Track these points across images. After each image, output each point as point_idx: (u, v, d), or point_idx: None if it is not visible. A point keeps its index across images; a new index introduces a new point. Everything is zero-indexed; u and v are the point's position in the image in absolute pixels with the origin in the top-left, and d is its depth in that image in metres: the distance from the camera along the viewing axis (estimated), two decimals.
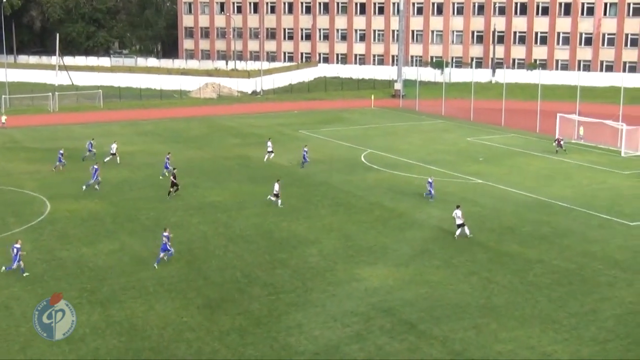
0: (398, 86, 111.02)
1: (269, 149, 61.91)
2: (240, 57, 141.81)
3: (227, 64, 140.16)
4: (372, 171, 57.92)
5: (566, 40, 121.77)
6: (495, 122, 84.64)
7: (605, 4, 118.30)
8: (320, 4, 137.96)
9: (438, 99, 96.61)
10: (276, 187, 47.00)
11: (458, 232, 40.05)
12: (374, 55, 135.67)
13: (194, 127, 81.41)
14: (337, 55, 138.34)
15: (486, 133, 77.90)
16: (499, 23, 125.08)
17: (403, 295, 31.81)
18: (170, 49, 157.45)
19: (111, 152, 60.60)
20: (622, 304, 31.16)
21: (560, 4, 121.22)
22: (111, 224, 42.74)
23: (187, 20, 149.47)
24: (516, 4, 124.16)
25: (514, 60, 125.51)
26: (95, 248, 38.08)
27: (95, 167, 51.55)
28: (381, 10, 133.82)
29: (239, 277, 34.06)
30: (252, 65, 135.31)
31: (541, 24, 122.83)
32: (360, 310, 30.20)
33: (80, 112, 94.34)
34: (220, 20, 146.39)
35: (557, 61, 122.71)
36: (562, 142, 66.40)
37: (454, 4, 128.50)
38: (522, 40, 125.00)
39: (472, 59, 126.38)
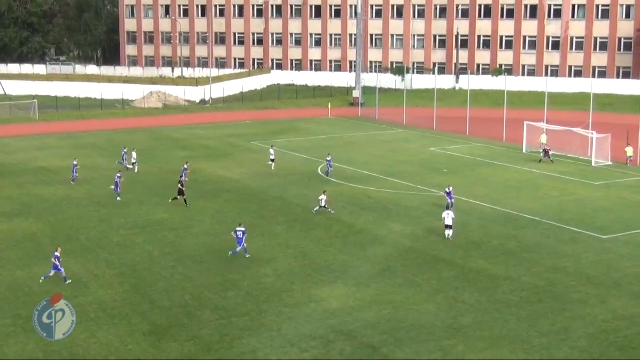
0: (356, 94, 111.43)
1: (272, 157, 64.26)
2: (187, 63, 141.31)
3: (173, 71, 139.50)
4: (330, 184, 57.95)
5: (533, 45, 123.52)
6: (459, 131, 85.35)
7: (573, 7, 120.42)
8: (272, 6, 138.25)
9: (399, 107, 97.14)
10: (323, 198, 47.98)
11: (448, 233, 42.89)
12: (331, 61, 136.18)
13: (138, 140, 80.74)
14: (292, 61, 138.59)
15: (450, 143, 78.51)
16: (462, 27, 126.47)
17: (364, 317, 31.82)
18: (111, 56, 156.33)
19: (132, 160, 63.00)
20: (595, 322, 31.52)
21: (526, 6, 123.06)
22: (48, 245, 42.09)
23: (129, 25, 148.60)
24: (480, 6, 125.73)
25: (478, 65, 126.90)
26: (31, 271, 37.47)
27: (118, 175, 53.99)
28: (338, 14, 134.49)
29: (188, 300, 33.79)
30: (200, 73, 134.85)
31: (506, 27, 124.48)
32: (319, 334, 30.14)
33: (14, 124, 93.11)
34: (165, 25, 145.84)
35: (523, 66, 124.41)
36: (550, 151, 67.13)
37: (414, 6, 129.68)
38: (486, 44, 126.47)
39: (434, 64, 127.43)
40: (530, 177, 61.33)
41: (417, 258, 39.84)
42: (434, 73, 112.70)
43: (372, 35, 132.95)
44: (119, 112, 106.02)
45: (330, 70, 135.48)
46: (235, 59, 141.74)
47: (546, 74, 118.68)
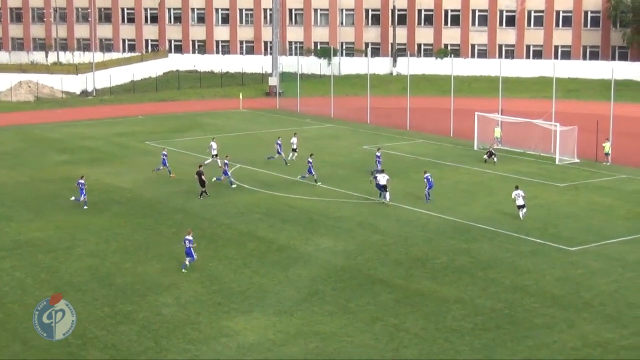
0: (273, 81, 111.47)
1: (294, 147, 68.31)
2: (64, 46, 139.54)
3: (47, 55, 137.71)
4: (243, 192, 57.86)
5: (483, 20, 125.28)
6: (398, 124, 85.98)
7: None
8: None
9: (325, 97, 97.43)
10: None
11: (522, 212, 50.35)
12: (242, 42, 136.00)
13: (4, 140, 79.48)
14: (193, 42, 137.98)
15: (387, 139, 79.03)
16: None
17: (287, 352, 31.82)
18: None
19: (213, 153, 66.19)
20: (563, 350, 32.06)
21: None
22: None
23: None
24: None
25: (419, 45, 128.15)
26: None
27: (226, 161, 59.89)
28: None
29: (70, 337, 33.26)
30: (80, 57, 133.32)
31: None
32: None
33: None
34: None
35: (472, 46, 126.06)
36: (494, 154, 67.23)
37: None
38: (428, 20, 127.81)
39: (366, 44, 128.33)
40: (484, 179, 62.12)
41: (350, 279, 39.98)
42: (366, 55, 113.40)
43: (290, 10, 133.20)
44: None
45: (241, 53, 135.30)
46: (123, 41, 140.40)
47: (500, 55, 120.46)
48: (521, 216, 50.17)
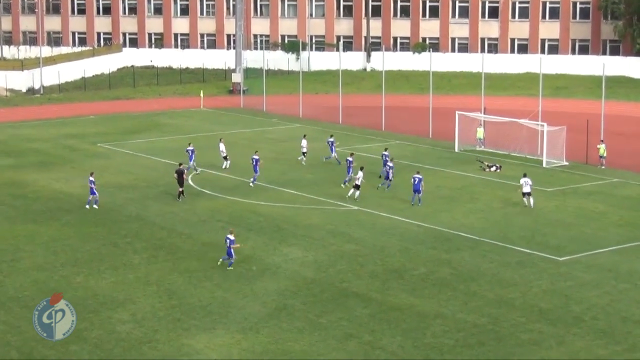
0: (237, 78, 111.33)
1: (304, 150, 69.03)
2: (8, 40, 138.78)
3: None
4: (204, 198, 57.71)
5: (464, 11, 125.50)
6: (372, 124, 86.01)
7: None
8: None
9: (293, 95, 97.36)
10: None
11: (528, 200, 54.13)
12: (202, 35, 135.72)
13: None
14: (150, 35, 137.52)
15: (361, 140, 79.06)
16: None
17: None
18: None
19: (223, 155, 67.11)
20: None
21: None
22: None
23: None
24: None
25: (395, 39, 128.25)
26: None
27: (255, 157, 61.42)
28: None
29: (15, 357, 33.13)
30: (26, 52, 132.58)
31: None
32: None
33: None
34: None
35: (453, 40, 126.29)
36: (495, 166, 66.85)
37: None
38: (405, 11, 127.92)
39: (338, 38, 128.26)
40: (466, 184, 62.21)
41: (322, 293, 39.96)
42: (337, 49, 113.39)
43: (255, 0, 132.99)
44: None
45: (202, 48, 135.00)
46: (73, 34, 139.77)
47: (482, 50, 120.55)
48: (528, 204, 54.15)
